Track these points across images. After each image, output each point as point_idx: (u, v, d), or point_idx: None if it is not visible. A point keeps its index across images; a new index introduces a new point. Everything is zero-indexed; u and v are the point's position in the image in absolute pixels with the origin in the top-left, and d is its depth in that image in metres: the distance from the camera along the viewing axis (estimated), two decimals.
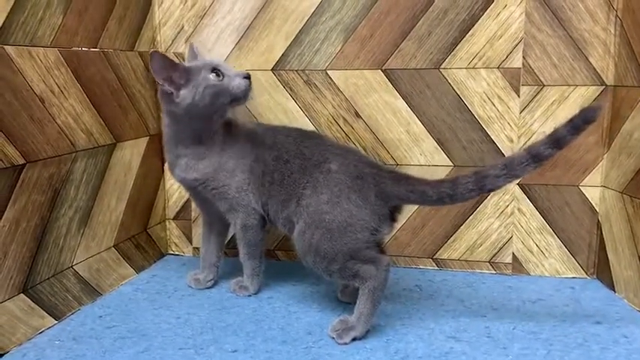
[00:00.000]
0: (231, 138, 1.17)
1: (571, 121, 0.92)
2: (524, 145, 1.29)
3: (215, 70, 1.12)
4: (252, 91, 1.15)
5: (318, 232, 1.04)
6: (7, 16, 0.94)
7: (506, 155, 1.30)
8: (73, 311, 1.12)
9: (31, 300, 1.02)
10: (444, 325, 1.07)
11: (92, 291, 1.18)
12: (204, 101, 1.10)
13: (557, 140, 0.93)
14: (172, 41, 1.40)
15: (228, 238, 1.31)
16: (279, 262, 1.45)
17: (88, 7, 1.14)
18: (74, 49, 1.11)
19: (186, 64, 1.15)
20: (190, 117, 1.12)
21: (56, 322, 1.07)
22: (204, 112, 1.12)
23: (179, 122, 1.14)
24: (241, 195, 1.16)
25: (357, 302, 1.03)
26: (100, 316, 1.11)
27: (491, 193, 1.32)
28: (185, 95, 1.10)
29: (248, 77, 1.13)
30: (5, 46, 0.94)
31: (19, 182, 0.97)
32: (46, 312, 1.05)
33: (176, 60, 1.11)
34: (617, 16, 1.22)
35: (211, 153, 1.15)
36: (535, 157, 0.95)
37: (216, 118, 1.14)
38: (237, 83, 1.12)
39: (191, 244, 1.50)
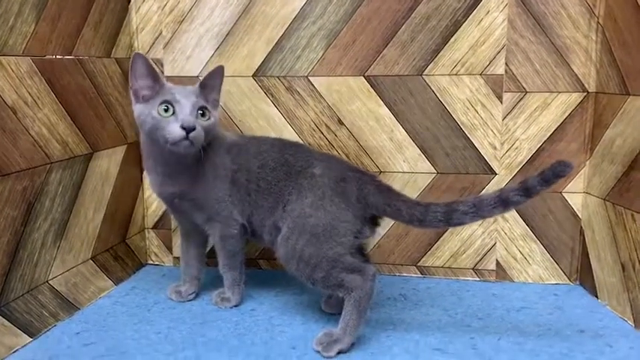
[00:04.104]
0: (210, 150, 1.12)
1: (542, 172, 0.93)
2: (506, 152, 1.29)
3: (167, 103, 1.04)
4: (194, 144, 1.03)
5: (303, 237, 1.04)
6: None
7: (489, 162, 1.30)
8: (49, 327, 1.08)
9: (5, 318, 0.98)
10: (429, 337, 1.06)
11: (69, 306, 1.15)
12: (146, 129, 1.06)
13: (526, 189, 0.94)
14: (150, 47, 1.36)
15: (208, 248, 1.28)
16: (261, 270, 1.43)
17: (62, 14, 1.10)
18: (48, 57, 1.07)
19: (166, 83, 1.08)
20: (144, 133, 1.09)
21: (31, 339, 1.03)
22: (151, 138, 1.07)
23: (143, 133, 1.11)
24: (221, 205, 1.14)
25: (343, 313, 1.01)
26: (78, 333, 1.07)
27: None
28: (138, 111, 1.07)
29: (188, 129, 1.01)
30: None
31: None
32: (21, 330, 1.02)
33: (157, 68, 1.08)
34: (598, 23, 1.22)
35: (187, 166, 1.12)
36: (504, 201, 0.96)
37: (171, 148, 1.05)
38: (172, 130, 1.02)
39: (171, 253, 1.47)
